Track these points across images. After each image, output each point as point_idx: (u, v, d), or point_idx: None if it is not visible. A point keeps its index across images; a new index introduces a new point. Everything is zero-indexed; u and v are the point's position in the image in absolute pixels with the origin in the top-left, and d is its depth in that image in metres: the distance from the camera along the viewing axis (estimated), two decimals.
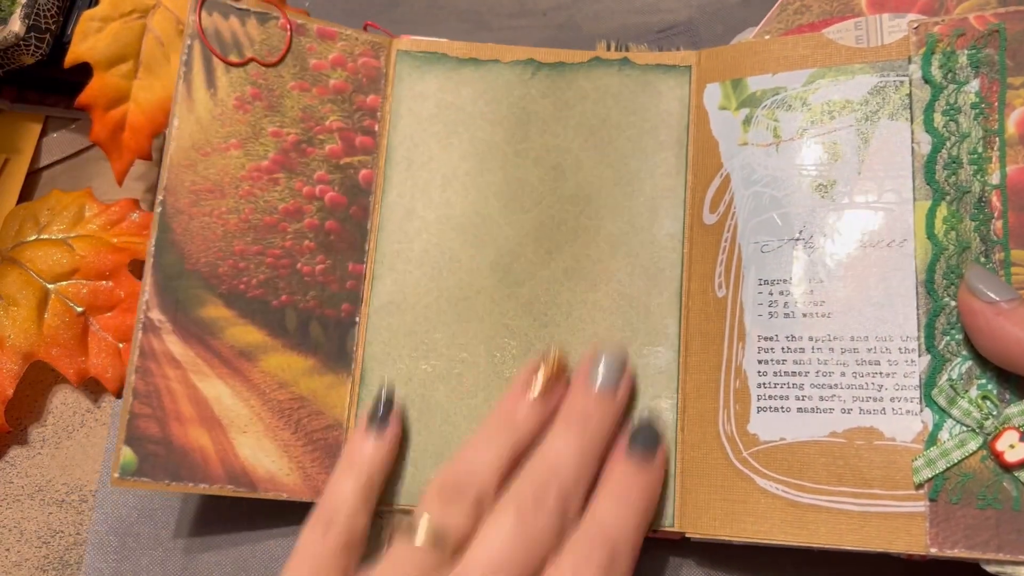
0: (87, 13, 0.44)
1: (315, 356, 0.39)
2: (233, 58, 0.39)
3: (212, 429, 0.37)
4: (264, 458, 0.38)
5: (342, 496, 0.35)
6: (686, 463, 0.38)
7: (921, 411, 0.35)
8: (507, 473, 0.35)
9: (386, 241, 0.41)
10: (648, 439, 0.36)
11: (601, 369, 0.37)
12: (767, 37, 0.41)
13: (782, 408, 0.37)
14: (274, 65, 0.40)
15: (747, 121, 0.40)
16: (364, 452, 0.37)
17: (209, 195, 0.39)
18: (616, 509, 0.34)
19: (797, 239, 0.38)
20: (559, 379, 0.37)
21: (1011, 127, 0.36)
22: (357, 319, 0.40)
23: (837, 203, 0.38)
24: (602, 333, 0.39)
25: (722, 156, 0.40)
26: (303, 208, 0.40)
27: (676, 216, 0.41)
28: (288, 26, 0.40)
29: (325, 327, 0.40)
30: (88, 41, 0.43)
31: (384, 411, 0.37)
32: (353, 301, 0.40)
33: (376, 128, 0.41)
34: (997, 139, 0.36)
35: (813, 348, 0.37)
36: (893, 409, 0.35)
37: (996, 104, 0.36)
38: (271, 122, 0.40)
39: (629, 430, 0.37)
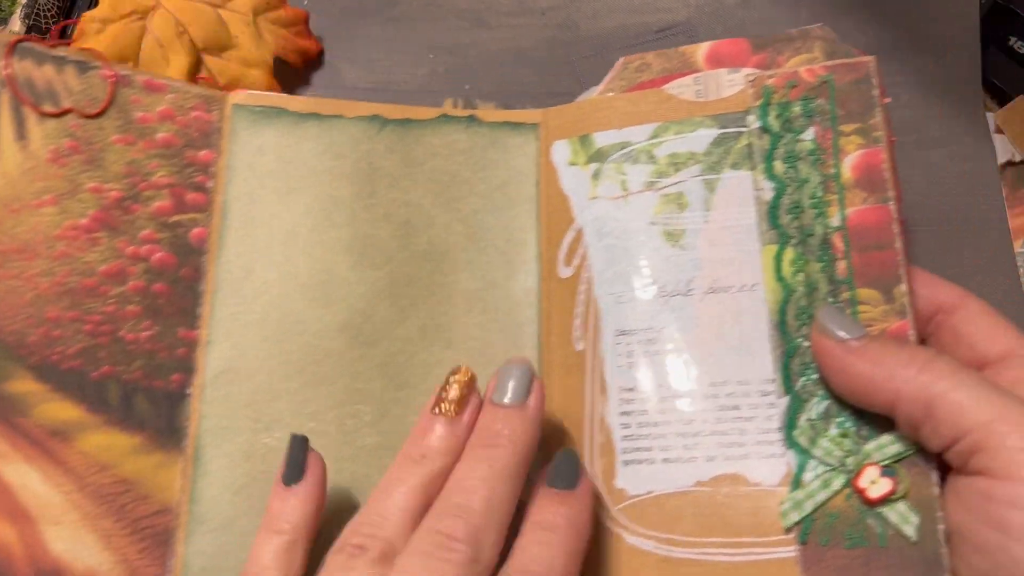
0: (87, 14, 0.43)
1: (141, 433, 0.35)
2: (48, 107, 0.36)
3: (18, 522, 0.32)
4: (82, 551, 0.33)
5: (262, 564, 0.31)
6: None
7: (784, 453, 0.34)
8: (422, 511, 0.32)
9: (222, 304, 0.37)
10: (568, 468, 0.33)
11: (509, 383, 0.34)
12: (610, 95, 0.42)
13: (648, 460, 0.35)
14: (95, 116, 0.37)
15: (596, 175, 0.40)
16: (284, 511, 0.32)
17: (17, 256, 0.35)
18: (541, 547, 0.31)
19: (650, 288, 0.38)
20: (469, 397, 0.34)
21: (846, 171, 0.37)
22: (189, 391, 0.36)
23: (687, 252, 0.38)
24: None
25: (574, 210, 0.40)
26: (127, 269, 0.36)
27: (531, 271, 0.40)
28: (111, 76, 0.37)
29: (153, 400, 0.36)
30: (88, 43, 0.43)
31: (298, 459, 0.33)
32: (184, 370, 0.37)
33: (209, 184, 0.39)
34: (835, 183, 0.37)
35: (674, 396, 0.36)
36: (757, 453, 0.35)
37: (831, 150, 0.37)
38: (91, 177, 0.37)
39: (550, 464, 0.34)
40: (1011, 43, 0.38)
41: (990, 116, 0.39)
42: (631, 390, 0.37)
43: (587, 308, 0.38)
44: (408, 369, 0.37)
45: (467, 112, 0.42)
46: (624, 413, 0.36)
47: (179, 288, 0.37)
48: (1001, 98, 0.39)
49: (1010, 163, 0.38)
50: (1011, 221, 0.38)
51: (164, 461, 0.35)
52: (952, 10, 0.39)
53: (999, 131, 0.39)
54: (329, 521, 0.34)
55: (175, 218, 0.38)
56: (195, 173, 0.38)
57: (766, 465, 0.34)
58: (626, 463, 0.36)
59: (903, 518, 0.32)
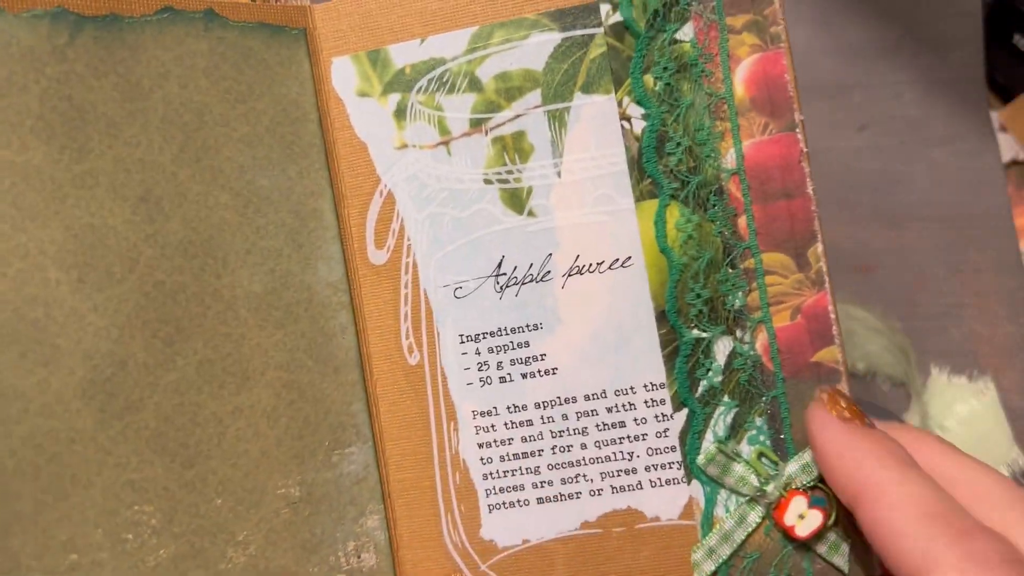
0: None
1: None
2: None
3: None
4: None
5: None
6: None
7: (688, 482, 0.27)
8: None
9: None
10: None
11: None
12: None
13: (519, 502, 0.28)
14: None
15: (400, 113, 0.28)
16: None
17: None
18: None
19: (498, 275, 0.28)
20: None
21: (740, 87, 0.27)
22: None
23: (538, 219, 0.28)
24: (273, 450, 0.28)
25: (376, 165, 0.29)
26: None
27: (333, 255, 0.29)
28: None
29: None
30: None
31: None
32: None
33: None
34: (727, 105, 0.27)
35: (543, 417, 0.28)
36: (651, 481, 0.28)
37: (718, 56, 0.27)
38: None
39: None
40: (1015, 41, 0.38)
41: (994, 114, 0.38)
42: (487, 413, 0.28)
43: (416, 307, 0.29)
44: (195, 433, 0.27)
45: (203, 2, 0.28)
46: (483, 444, 0.28)
47: None
48: (1005, 96, 0.38)
49: (1015, 162, 0.37)
50: (1016, 219, 0.37)
51: None
52: (956, 8, 0.37)
53: (1003, 129, 0.38)
54: None
55: None
56: None
57: (664, 495, 0.28)
58: (492, 508, 0.28)
59: (833, 548, 0.26)
